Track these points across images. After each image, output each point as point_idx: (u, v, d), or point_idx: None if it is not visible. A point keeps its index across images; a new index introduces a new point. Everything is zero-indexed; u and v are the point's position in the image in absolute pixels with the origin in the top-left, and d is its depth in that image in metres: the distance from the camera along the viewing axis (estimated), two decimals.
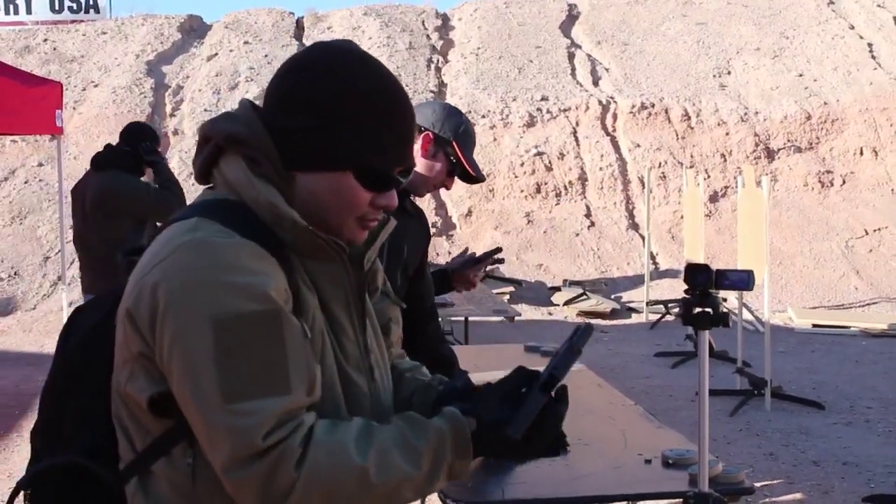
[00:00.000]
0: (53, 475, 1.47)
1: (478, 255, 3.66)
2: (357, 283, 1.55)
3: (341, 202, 1.46)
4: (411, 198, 3.13)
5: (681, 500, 2.54)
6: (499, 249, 3.67)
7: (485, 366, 4.19)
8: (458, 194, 13.49)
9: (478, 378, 3.31)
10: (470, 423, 1.42)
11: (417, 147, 3.00)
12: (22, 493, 1.50)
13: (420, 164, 2.99)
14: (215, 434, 1.30)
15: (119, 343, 1.41)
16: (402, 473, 1.36)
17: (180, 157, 13.88)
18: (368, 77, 1.46)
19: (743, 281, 2.25)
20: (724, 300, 8.38)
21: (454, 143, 3.01)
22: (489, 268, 3.78)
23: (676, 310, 10.99)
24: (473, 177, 3.06)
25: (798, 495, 5.29)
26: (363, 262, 1.57)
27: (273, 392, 1.30)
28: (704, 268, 2.29)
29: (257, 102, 1.52)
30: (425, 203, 12.54)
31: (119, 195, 5.72)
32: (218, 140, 1.47)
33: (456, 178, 3.09)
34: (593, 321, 10.97)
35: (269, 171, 1.43)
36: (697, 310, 2.36)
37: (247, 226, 1.39)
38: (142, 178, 6.01)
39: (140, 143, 6.01)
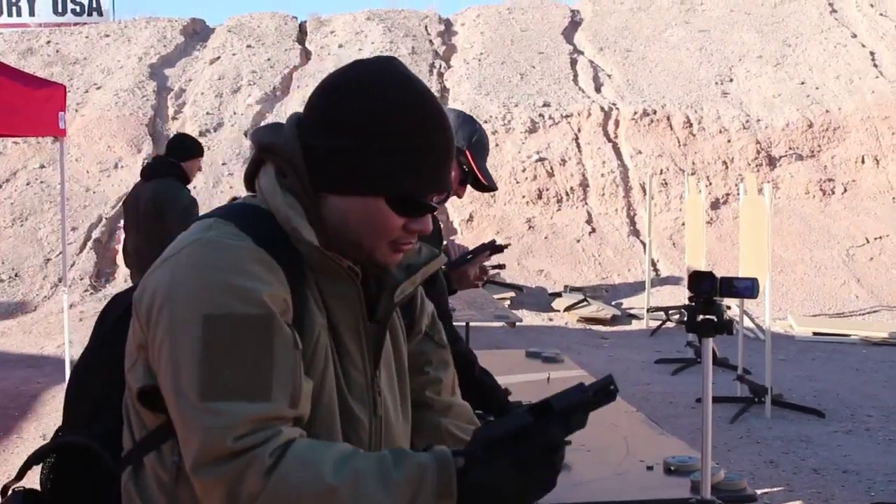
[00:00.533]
0: (64, 453, 1.50)
1: (471, 249, 3.60)
2: (377, 311, 1.52)
3: (372, 227, 1.43)
4: None
5: None
6: (493, 242, 3.61)
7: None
8: (459, 200, 13.47)
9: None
10: (457, 462, 1.32)
11: None
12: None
13: None
14: (187, 430, 1.30)
15: (129, 334, 1.43)
16: (374, 502, 1.28)
17: None
18: (404, 99, 1.42)
19: (748, 289, 2.25)
20: (728, 308, 8.36)
21: (467, 153, 2.97)
22: (492, 271, 3.75)
23: (677, 317, 10.99)
24: (485, 185, 3.03)
25: (798, 503, 5.28)
26: (395, 292, 1.54)
27: (252, 397, 1.29)
28: (709, 275, 2.29)
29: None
30: None
31: (173, 201, 6.00)
32: (256, 148, 1.49)
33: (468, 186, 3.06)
34: (594, 327, 10.98)
35: (294, 184, 1.43)
36: (701, 317, 2.35)
37: (265, 233, 1.39)
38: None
39: (185, 154, 6.39)
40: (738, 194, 8.19)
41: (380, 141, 1.39)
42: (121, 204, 6.91)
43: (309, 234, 1.40)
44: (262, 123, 11.94)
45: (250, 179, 1.51)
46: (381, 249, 1.45)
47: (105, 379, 1.49)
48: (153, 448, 1.40)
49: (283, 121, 1.52)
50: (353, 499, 1.28)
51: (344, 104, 1.41)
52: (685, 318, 9.03)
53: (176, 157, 6.37)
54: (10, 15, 18.11)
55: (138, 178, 6.84)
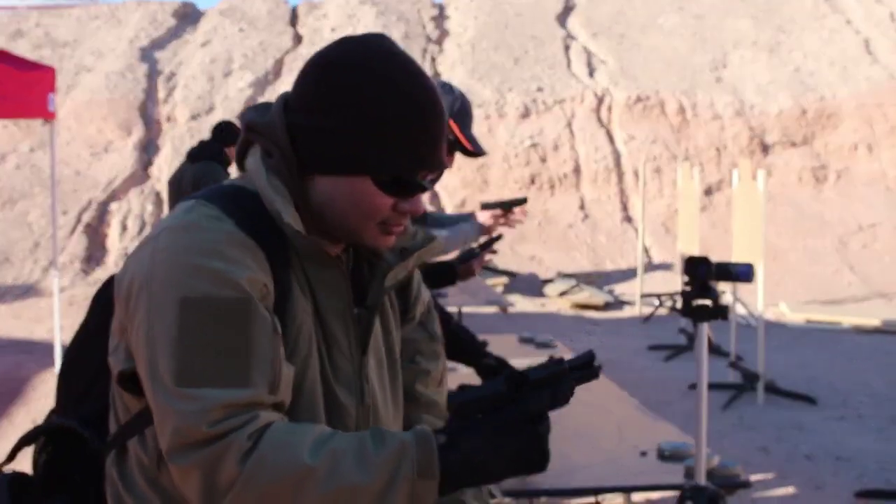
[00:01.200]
0: (52, 435, 1.50)
1: (480, 244, 3.62)
2: (367, 295, 1.49)
3: (359, 208, 1.39)
4: None
5: (677, 492, 2.52)
6: (500, 237, 3.64)
7: None
8: (451, 185, 13.46)
9: (470, 369, 3.29)
10: (438, 439, 1.27)
11: None
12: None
13: None
14: (163, 415, 1.27)
15: (114, 316, 1.42)
16: (352, 481, 1.23)
17: (172, 144, 13.82)
18: (395, 76, 1.38)
19: (744, 273, 2.23)
20: (723, 293, 8.36)
21: (451, 122, 2.92)
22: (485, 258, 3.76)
23: (669, 303, 10.98)
24: (473, 152, 2.98)
25: (790, 489, 5.28)
26: (386, 276, 1.50)
27: (228, 382, 1.25)
28: (704, 260, 2.26)
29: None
30: None
31: (212, 183, 6.11)
32: (242, 127, 1.47)
33: (456, 154, 3.01)
34: (586, 313, 10.97)
35: (279, 164, 1.39)
36: (697, 302, 2.33)
37: (249, 215, 1.36)
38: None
39: (230, 139, 6.72)
40: (732, 181, 8.17)
41: (367, 119, 1.35)
42: (167, 182, 7.30)
43: (291, 218, 1.37)
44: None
45: (241, 160, 1.48)
46: (369, 231, 1.41)
47: (96, 362, 1.47)
48: (136, 432, 1.38)
49: None
50: (330, 479, 1.23)
51: (332, 82, 1.37)
52: (677, 305, 9.03)
53: (221, 142, 6.72)
54: None
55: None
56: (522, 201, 3.55)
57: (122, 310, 1.35)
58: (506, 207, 3.46)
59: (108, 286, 1.54)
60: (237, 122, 6.90)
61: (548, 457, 1.31)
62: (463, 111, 2.97)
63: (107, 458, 1.42)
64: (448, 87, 3.03)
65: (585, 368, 1.35)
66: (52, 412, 1.57)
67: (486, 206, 3.48)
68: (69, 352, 1.57)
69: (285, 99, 1.44)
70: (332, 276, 1.44)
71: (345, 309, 1.45)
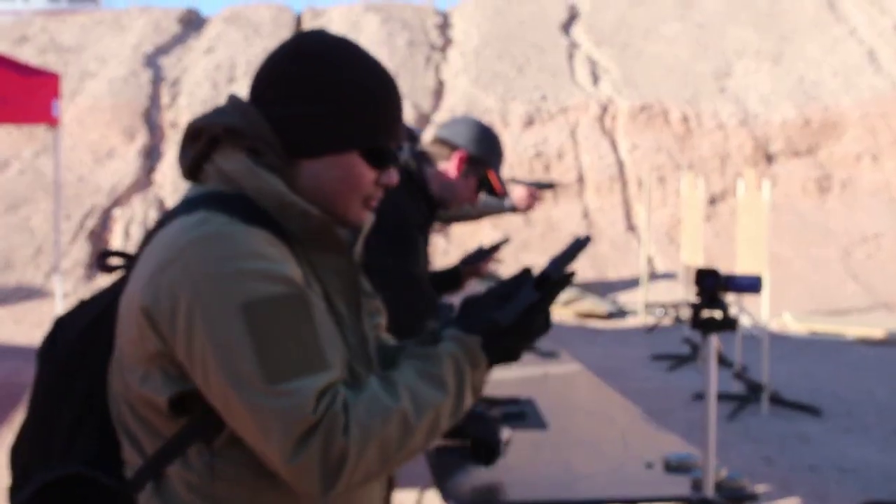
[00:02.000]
0: (55, 490, 1.42)
1: (485, 246, 3.65)
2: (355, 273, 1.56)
3: (349, 184, 1.47)
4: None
5: None
6: (506, 241, 3.66)
7: None
8: None
9: None
10: (471, 335, 1.44)
11: (451, 165, 3.03)
12: None
13: (453, 181, 3.04)
14: (265, 421, 1.28)
15: (130, 344, 1.37)
16: (435, 402, 1.38)
17: (176, 151, 13.82)
18: (357, 59, 1.48)
19: (752, 285, 2.21)
20: (730, 304, 8.35)
21: (489, 169, 3.06)
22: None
23: (673, 313, 10.96)
24: (498, 193, 3.14)
25: (795, 501, 5.25)
26: (353, 252, 1.57)
27: (313, 369, 1.31)
28: (713, 272, 2.25)
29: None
30: None
31: None
32: (214, 133, 1.44)
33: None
34: (589, 323, 10.95)
35: (273, 161, 1.42)
36: (706, 314, 2.31)
37: (252, 216, 1.38)
38: None
39: None
40: (736, 190, 8.15)
41: (351, 99, 1.44)
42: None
43: (308, 206, 1.42)
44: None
45: (197, 167, 1.47)
46: (354, 207, 1.49)
47: (82, 397, 1.43)
48: (177, 455, 1.36)
49: None
50: (418, 409, 1.36)
51: (306, 70, 1.44)
52: (681, 315, 9.00)
53: None
54: (2, 1, 18.03)
55: (133, 167, 6.82)
56: (551, 185, 3.63)
57: (165, 334, 1.32)
58: (538, 187, 3.57)
59: (59, 330, 1.51)
60: None
61: (549, 325, 1.49)
62: (499, 156, 3.11)
63: (139, 494, 1.39)
64: (490, 131, 3.19)
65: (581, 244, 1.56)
66: (23, 474, 1.47)
67: (516, 182, 3.58)
68: (34, 407, 1.49)
69: (248, 98, 1.48)
70: (336, 260, 1.49)
71: (348, 289, 1.51)
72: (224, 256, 1.31)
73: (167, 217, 1.42)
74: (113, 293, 1.47)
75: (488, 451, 2.63)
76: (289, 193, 1.40)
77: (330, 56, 1.46)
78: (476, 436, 2.68)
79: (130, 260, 1.50)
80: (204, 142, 1.46)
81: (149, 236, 1.43)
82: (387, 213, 2.79)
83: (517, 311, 1.45)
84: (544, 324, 1.49)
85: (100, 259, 1.56)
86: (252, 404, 1.28)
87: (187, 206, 1.40)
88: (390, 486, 1.61)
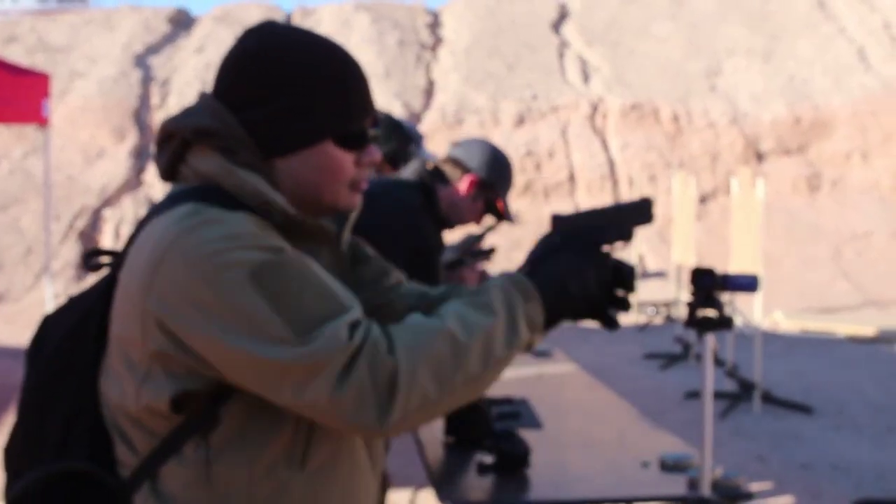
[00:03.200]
0: (51, 484, 1.40)
1: (469, 252, 3.62)
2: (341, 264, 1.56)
3: (330, 173, 1.45)
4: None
5: (679, 503, 2.49)
6: (492, 251, 3.63)
7: None
8: None
9: None
10: (521, 271, 1.44)
11: (462, 186, 3.04)
12: None
13: (461, 202, 3.05)
14: (305, 372, 1.27)
15: (129, 344, 1.36)
16: (484, 324, 1.34)
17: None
18: (314, 45, 1.46)
19: (749, 284, 2.21)
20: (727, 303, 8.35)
21: (498, 196, 3.09)
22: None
23: (664, 312, 10.98)
24: (504, 217, 3.16)
25: (788, 499, 5.26)
26: (341, 243, 1.57)
27: (336, 313, 1.30)
28: (709, 271, 2.25)
29: None
30: None
31: None
32: (184, 134, 1.43)
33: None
34: (581, 322, 10.94)
35: (248, 158, 1.41)
36: (701, 313, 2.31)
37: (238, 206, 1.38)
38: None
39: None
40: (727, 189, 8.17)
41: (313, 89, 1.42)
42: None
43: (284, 203, 1.40)
44: None
45: (173, 169, 1.46)
46: (342, 194, 1.47)
47: (72, 397, 1.42)
48: (173, 452, 1.35)
49: None
50: (467, 331, 1.34)
51: (266, 69, 1.42)
52: (672, 314, 8.97)
53: None
54: None
55: (123, 168, 6.80)
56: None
57: (171, 327, 1.31)
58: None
59: (46, 329, 1.50)
60: None
61: (609, 269, 1.46)
62: (509, 182, 3.14)
63: (135, 494, 1.38)
64: (502, 156, 3.21)
65: (640, 211, 1.53)
66: (16, 475, 1.45)
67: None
68: (25, 409, 1.48)
69: (213, 97, 1.46)
70: (320, 252, 1.48)
71: (338, 277, 1.48)
72: (219, 237, 1.30)
73: (154, 211, 1.40)
74: (100, 291, 1.45)
75: (516, 463, 2.67)
76: (269, 191, 1.39)
77: (289, 50, 1.44)
78: (505, 450, 2.71)
79: (118, 257, 1.48)
80: (177, 143, 1.44)
81: (136, 231, 1.42)
82: (408, 235, 2.79)
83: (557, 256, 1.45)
84: (588, 259, 1.45)
85: (87, 258, 1.55)
86: (289, 362, 1.26)
87: (173, 200, 1.39)
88: (384, 485, 1.60)
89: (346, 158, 1.45)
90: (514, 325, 1.37)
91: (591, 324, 7.29)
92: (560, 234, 1.48)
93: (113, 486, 1.38)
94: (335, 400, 1.27)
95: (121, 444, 1.39)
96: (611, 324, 1.47)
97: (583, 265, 1.44)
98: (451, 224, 3.11)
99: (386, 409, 1.28)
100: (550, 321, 1.42)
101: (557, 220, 1.51)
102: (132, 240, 1.41)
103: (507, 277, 1.42)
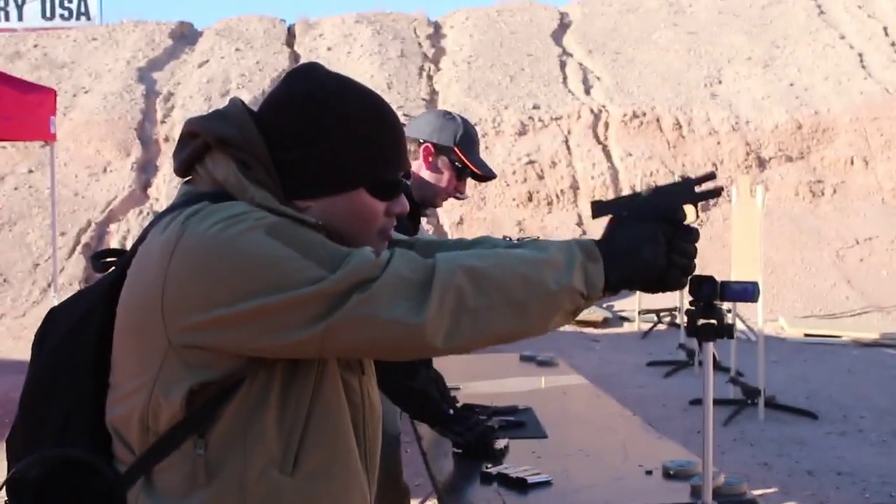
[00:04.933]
0: (49, 473, 1.42)
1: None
2: None
3: (362, 219, 1.48)
4: (426, 210, 3.16)
5: None
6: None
7: (481, 375, 4.17)
8: (449, 202, 13.45)
9: (473, 388, 3.30)
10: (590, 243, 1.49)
11: (420, 161, 3.02)
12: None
13: (427, 176, 3.05)
14: (342, 290, 1.30)
15: (136, 337, 1.37)
16: (531, 256, 1.42)
17: (171, 165, 13.80)
18: (356, 95, 1.49)
19: (749, 292, 2.23)
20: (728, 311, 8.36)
21: (456, 150, 3.04)
22: None
23: (668, 319, 11.00)
24: (483, 175, 3.10)
25: None
26: None
27: (355, 250, 1.36)
28: (709, 279, 2.27)
29: None
30: None
31: None
32: (208, 139, 1.45)
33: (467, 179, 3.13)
34: (586, 330, 10.98)
35: (261, 175, 1.43)
36: (702, 321, 2.33)
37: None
38: None
39: None
40: (729, 196, 8.19)
41: (353, 137, 1.45)
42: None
43: (294, 212, 1.41)
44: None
45: (189, 166, 1.49)
46: (372, 240, 1.48)
47: (73, 392, 1.44)
48: (173, 449, 1.37)
49: None
50: (512, 256, 1.42)
51: (311, 114, 1.45)
52: (675, 321, 8.97)
53: None
54: None
55: (127, 182, 6.80)
56: None
57: (193, 314, 1.32)
58: None
59: (52, 322, 1.51)
60: None
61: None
62: (467, 137, 3.07)
63: (129, 490, 1.39)
64: (451, 116, 3.12)
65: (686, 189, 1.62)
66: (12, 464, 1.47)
67: None
68: (28, 401, 1.49)
69: (244, 105, 1.48)
70: None
71: None
72: (223, 217, 1.33)
73: (166, 211, 1.43)
74: (106, 286, 1.47)
75: (484, 449, 2.76)
76: (277, 204, 1.41)
77: (327, 96, 1.46)
78: (468, 439, 2.79)
79: (125, 255, 1.50)
80: (199, 144, 1.46)
81: (147, 230, 1.44)
82: None
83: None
84: (653, 231, 1.50)
85: (95, 259, 1.58)
86: (328, 290, 1.30)
87: (186, 202, 1.42)
88: (402, 498, 1.63)
89: (377, 206, 1.49)
90: (568, 269, 1.42)
91: (593, 331, 7.28)
92: (627, 210, 1.55)
93: (109, 478, 1.39)
94: (372, 294, 1.31)
95: (118, 441, 1.41)
96: (679, 285, 1.54)
97: (656, 232, 1.49)
98: (431, 203, 3.11)
99: (422, 299, 1.32)
100: (618, 285, 1.47)
101: (596, 205, 1.61)
102: (142, 238, 1.44)
103: (576, 241, 1.48)
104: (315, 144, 1.44)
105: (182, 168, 1.50)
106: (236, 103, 1.50)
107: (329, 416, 1.44)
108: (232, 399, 1.36)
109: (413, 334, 1.32)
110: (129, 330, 1.39)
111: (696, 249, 1.53)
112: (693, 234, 1.53)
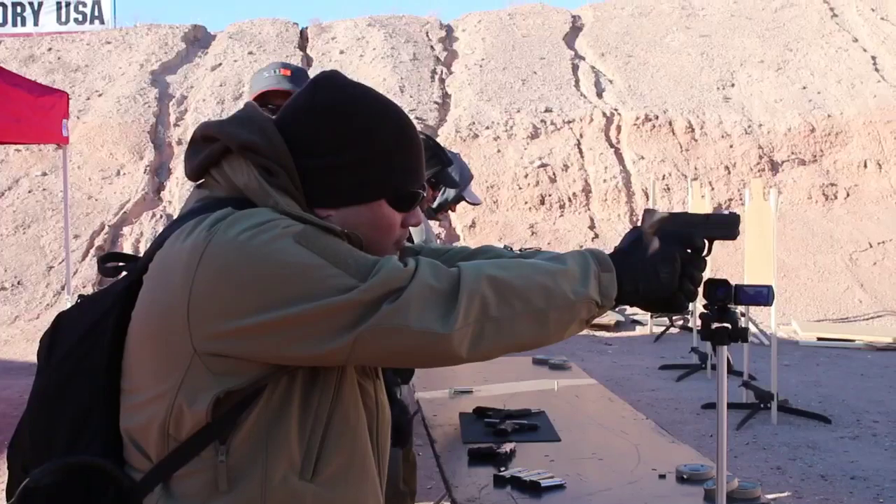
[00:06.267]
0: (63, 480, 1.40)
1: None
2: None
3: (381, 230, 1.50)
4: None
5: None
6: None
7: (492, 378, 4.18)
8: (461, 206, 13.46)
9: (486, 391, 3.30)
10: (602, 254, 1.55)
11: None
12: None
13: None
14: (373, 300, 1.31)
15: (158, 346, 1.36)
16: (549, 267, 1.45)
17: (184, 168, 13.88)
18: (379, 107, 1.51)
19: (763, 296, 2.22)
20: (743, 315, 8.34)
21: (464, 197, 3.42)
22: None
23: (680, 322, 10.97)
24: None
25: None
26: None
27: (381, 259, 1.37)
28: (723, 282, 2.26)
29: None
30: None
31: None
32: (229, 144, 1.44)
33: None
34: (598, 333, 10.96)
35: (285, 182, 1.42)
36: (716, 325, 2.33)
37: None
38: None
39: None
40: (741, 199, 8.17)
41: (376, 148, 1.46)
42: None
43: (318, 220, 1.41)
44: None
45: (203, 170, 1.48)
46: (388, 250, 1.50)
47: (86, 397, 1.43)
48: (193, 456, 1.37)
49: None
50: (531, 265, 1.45)
51: (335, 125, 1.46)
52: (688, 324, 8.94)
53: None
54: (14, 25, 18.15)
55: (141, 185, 6.82)
56: None
57: (207, 328, 1.31)
58: None
59: (61, 329, 1.50)
60: None
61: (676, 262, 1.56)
62: (468, 182, 3.34)
63: (146, 497, 1.39)
64: (463, 163, 3.34)
65: (723, 227, 1.75)
66: (24, 470, 1.45)
67: None
68: (37, 405, 1.47)
69: (270, 121, 1.47)
70: None
71: None
72: (250, 226, 1.32)
73: (183, 217, 1.41)
74: (118, 294, 1.46)
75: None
76: (301, 211, 1.40)
77: (351, 107, 1.47)
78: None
79: (138, 262, 1.49)
80: (217, 148, 1.45)
81: (163, 235, 1.42)
82: None
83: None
84: (662, 254, 1.55)
85: (102, 262, 1.56)
86: (359, 300, 1.30)
87: (205, 207, 1.41)
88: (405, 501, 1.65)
89: (396, 217, 1.50)
90: (584, 279, 1.46)
91: (606, 335, 7.29)
92: (654, 229, 1.60)
93: (126, 486, 1.39)
94: (402, 304, 1.31)
95: (133, 448, 1.40)
96: (682, 309, 1.60)
97: (675, 254, 1.55)
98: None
99: (449, 309, 1.33)
100: (629, 297, 1.53)
101: (648, 213, 1.67)
102: (160, 244, 1.41)
103: (590, 251, 1.53)
104: (341, 155, 1.44)
105: (195, 172, 1.49)
106: (250, 106, 1.50)
107: (348, 422, 1.45)
108: (254, 405, 1.36)
109: (441, 343, 1.33)
110: (147, 336, 1.38)
111: (702, 279, 1.61)
112: (704, 265, 1.59)
